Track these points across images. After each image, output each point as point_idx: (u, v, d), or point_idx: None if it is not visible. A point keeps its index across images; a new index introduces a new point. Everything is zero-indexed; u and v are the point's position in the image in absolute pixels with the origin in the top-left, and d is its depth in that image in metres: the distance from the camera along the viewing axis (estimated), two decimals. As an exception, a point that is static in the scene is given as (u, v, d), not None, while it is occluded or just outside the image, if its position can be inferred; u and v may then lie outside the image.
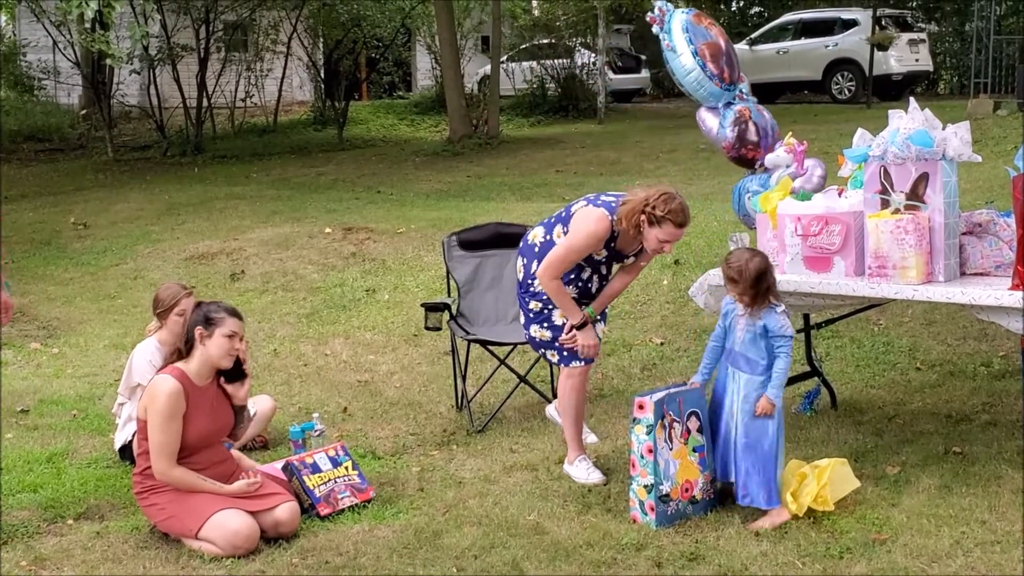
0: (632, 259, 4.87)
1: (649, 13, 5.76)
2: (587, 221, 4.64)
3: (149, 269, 9.80)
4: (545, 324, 4.81)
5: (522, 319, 4.93)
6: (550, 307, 4.79)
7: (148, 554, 4.17)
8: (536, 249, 4.80)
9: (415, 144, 18.52)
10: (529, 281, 4.82)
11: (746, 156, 5.67)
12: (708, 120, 5.75)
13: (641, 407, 4.31)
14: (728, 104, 5.66)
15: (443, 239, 6.22)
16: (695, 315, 7.04)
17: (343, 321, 7.92)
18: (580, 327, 4.73)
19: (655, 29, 5.74)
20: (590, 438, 5.18)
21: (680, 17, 5.63)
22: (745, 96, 5.71)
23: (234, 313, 4.42)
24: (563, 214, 4.78)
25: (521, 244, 4.96)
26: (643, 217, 4.51)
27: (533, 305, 4.82)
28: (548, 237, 4.77)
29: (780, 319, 4.27)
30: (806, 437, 5.11)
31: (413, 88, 26.03)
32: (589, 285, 4.83)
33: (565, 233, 4.69)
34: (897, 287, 4.48)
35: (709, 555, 3.96)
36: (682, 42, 5.57)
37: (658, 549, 4.03)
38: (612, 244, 4.71)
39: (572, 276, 4.78)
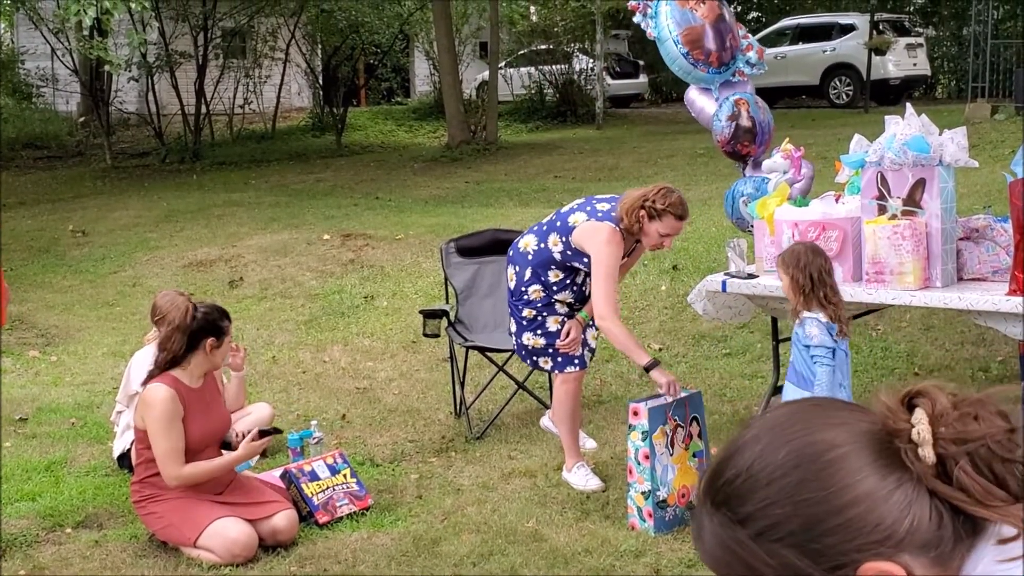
0: (624, 259, 4.88)
1: (631, 0, 5.64)
2: (601, 243, 4.55)
3: (148, 276, 9.79)
4: (539, 331, 4.79)
5: (513, 327, 4.90)
6: (544, 314, 4.78)
7: (146, 563, 4.16)
8: (529, 257, 4.77)
9: (413, 150, 18.53)
10: (522, 289, 4.79)
11: (740, 151, 5.63)
12: (698, 101, 5.66)
13: (636, 413, 4.31)
14: (726, 84, 5.56)
15: (441, 245, 6.21)
16: (693, 321, 7.03)
17: (341, 328, 7.92)
18: (652, 368, 4.40)
19: (637, 18, 5.65)
20: (588, 444, 5.17)
21: (665, 3, 5.52)
22: (749, 67, 5.57)
23: (230, 317, 4.53)
24: (557, 223, 4.73)
25: (511, 252, 4.91)
26: (643, 212, 4.50)
27: (527, 313, 4.80)
28: (543, 245, 4.74)
29: (809, 328, 4.04)
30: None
31: (411, 94, 26.04)
32: (584, 288, 4.83)
33: (563, 242, 4.67)
34: (895, 293, 4.48)
35: (708, 561, 3.95)
36: (666, 30, 5.51)
37: (657, 556, 4.03)
38: None
39: (568, 281, 4.77)
